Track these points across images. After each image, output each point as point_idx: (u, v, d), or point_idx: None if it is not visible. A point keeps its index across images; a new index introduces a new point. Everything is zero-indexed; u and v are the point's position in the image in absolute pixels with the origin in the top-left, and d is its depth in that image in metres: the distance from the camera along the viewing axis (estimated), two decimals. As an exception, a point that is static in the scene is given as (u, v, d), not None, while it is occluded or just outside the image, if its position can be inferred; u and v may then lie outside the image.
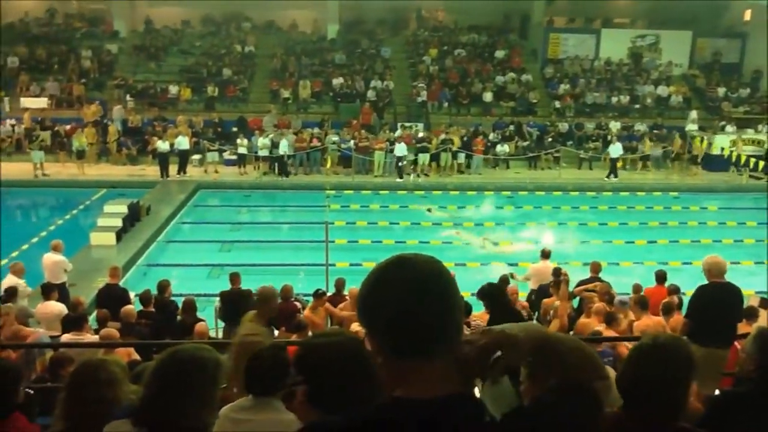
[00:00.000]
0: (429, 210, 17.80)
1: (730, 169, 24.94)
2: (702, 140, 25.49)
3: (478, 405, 1.48)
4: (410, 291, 1.44)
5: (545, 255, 11.86)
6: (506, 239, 17.61)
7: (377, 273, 1.52)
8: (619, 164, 24.19)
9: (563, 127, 27.19)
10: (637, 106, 29.24)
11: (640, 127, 27.47)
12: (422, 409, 1.41)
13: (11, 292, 9.47)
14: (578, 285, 10.44)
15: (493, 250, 16.70)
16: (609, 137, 25.78)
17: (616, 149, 24.11)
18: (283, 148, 22.80)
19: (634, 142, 26.14)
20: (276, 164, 23.09)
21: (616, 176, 23.78)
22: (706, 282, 6.79)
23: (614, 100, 29.22)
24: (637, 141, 26.15)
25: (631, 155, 25.42)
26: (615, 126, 27.31)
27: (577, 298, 10.20)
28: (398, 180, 23.08)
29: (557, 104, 28.85)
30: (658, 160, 25.49)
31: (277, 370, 3.39)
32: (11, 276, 10.38)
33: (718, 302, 6.58)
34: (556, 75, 30.48)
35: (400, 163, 23.05)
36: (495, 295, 6.52)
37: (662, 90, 29.67)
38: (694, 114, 27.64)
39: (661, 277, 10.09)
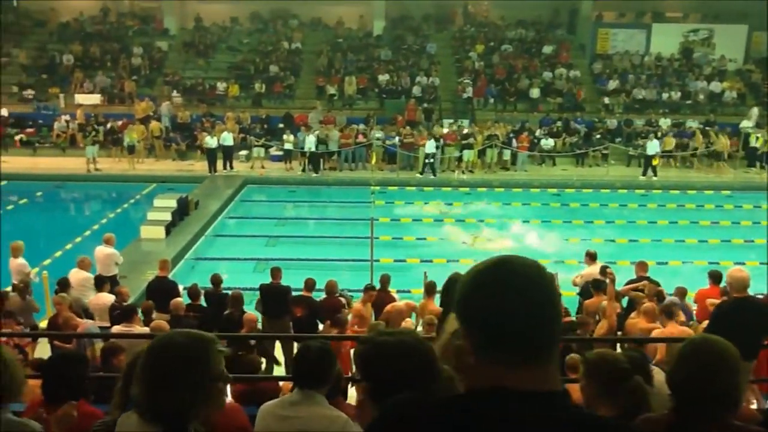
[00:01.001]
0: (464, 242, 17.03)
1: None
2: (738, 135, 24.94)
3: (571, 405, 1.46)
4: (511, 293, 1.42)
5: (592, 257, 11.61)
6: (553, 237, 17.38)
7: (479, 273, 1.49)
8: (655, 161, 23.46)
9: (612, 123, 26.74)
10: (689, 102, 28.56)
11: (692, 123, 26.84)
12: (515, 400, 1.40)
13: (64, 283, 9.73)
14: (627, 284, 10.25)
15: (497, 246, 16.42)
16: (659, 134, 25.25)
17: (653, 146, 23.48)
18: (309, 144, 22.90)
19: (684, 138, 25.58)
20: (307, 160, 23.18)
21: (654, 174, 23.24)
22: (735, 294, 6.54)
23: (665, 96, 28.60)
24: (688, 138, 25.57)
25: (681, 152, 24.89)
26: (665, 122, 26.73)
27: (626, 298, 10.01)
28: (428, 176, 22.90)
29: (606, 100, 28.39)
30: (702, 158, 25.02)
31: (325, 363, 3.41)
32: (78, 270, 10.67)
33: (740, 318, 6.31)
34: (605, 71, 29.98)
35: (427, 160, 22.96)
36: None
37: (715, 86, 28.90)
38: (755, 111, 26.77)
39: (715, 277, 9.81)
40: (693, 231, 17.88)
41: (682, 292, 9.77)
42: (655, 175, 23.21)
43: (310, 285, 10.06)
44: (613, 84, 28.98)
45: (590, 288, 9.95)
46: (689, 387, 2.48)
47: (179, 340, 2.16)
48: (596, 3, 32.36)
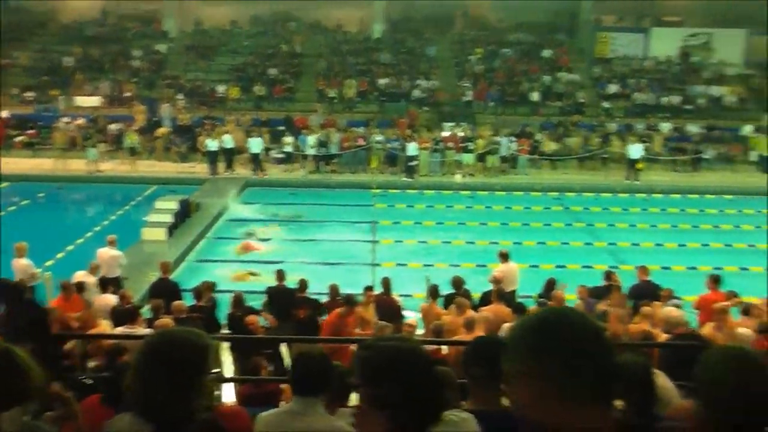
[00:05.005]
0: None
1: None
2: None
3: None
4: (584, 338, 1.52)
5: (505, 257, 11.68)
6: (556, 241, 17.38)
7: (544, 320, 1.57)
8: (639, 165, 23.24)
9: (612, 127, 26.75)
10: (689, 106, 28.59)
11: (693, 128, 26.88)
12: None
13: (81, 287, 9.64)
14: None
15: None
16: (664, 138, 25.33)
17: (636, 150, 23.22)
18: (256, 146, 22.82)
19: (684, 143, 25.62)
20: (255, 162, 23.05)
21: (637, 179, 23.14)
22: None
23: (665, 100, 28.63)
24: (689, 142, 25.59)
25: (684, 156, 24.91)
26: (666, 127, 26.77)
27: (631, 302, 9.91)
28: (406, 179, 22.83)
29: (606, 104, 28.42)
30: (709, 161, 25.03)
31: (323, 369, 3.37)
32: (87, 273, 10.62)
33: None
34: (605, 74, 30.02)
35: (410, 163, 22.91)
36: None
37: (716, 90, 28.95)
38: None
39: (716, 280, 9.80)
40: (695, 235, 17.85)
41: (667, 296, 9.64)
42: (637, 180, 23.14)
43: (303, 285, 10.07)
44: (613, 88, 29.03)
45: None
46: None
47: (179, 338, 2.14)
48: (595, 6, 32.42)
